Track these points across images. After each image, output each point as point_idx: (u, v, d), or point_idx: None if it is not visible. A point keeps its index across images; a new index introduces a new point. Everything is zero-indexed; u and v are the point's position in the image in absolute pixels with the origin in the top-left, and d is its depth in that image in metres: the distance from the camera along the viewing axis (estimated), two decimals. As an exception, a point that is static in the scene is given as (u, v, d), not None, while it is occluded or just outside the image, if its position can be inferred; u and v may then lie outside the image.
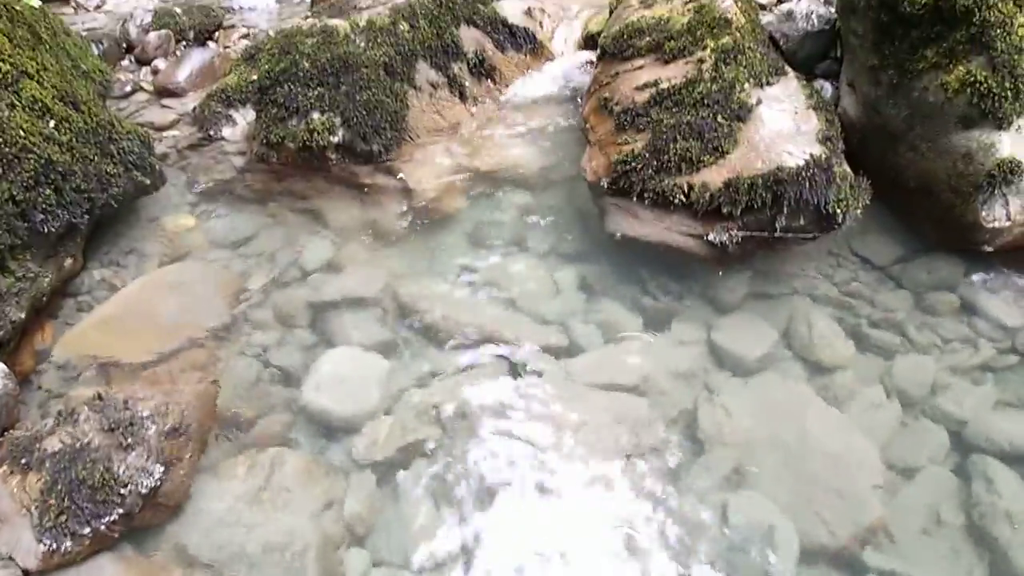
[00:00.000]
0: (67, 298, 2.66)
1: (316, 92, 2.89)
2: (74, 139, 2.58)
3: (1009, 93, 2.51)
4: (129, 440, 1.93)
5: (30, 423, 2.12)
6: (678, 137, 2.57)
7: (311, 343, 2.49)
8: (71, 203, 2.50)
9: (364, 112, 2.87)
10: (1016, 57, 2.51)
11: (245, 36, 3.98)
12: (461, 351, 2.44)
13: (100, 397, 2.02)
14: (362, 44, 2.99)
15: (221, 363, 2.42)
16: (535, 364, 2.37)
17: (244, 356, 2.44)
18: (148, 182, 2.88)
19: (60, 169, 2.46)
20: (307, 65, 2.92)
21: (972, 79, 2.51)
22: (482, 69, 3.26)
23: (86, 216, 2.57)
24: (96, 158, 2.63)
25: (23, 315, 2.34)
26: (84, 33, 3.99)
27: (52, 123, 2.53)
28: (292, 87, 2.92)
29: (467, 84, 3.20)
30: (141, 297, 2.63)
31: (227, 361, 2.43)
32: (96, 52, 3.80)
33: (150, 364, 2.38)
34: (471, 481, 2.07)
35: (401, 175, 2.91)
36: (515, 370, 2.36)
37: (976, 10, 2.49)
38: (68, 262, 2.62)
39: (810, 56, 3.15)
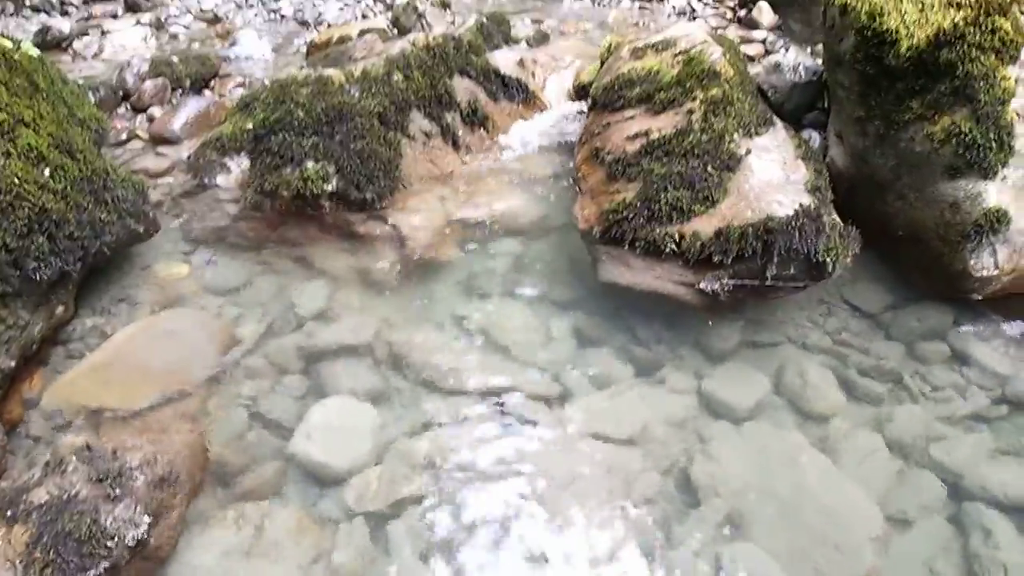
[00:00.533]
0: (57, 345, 2.65)
1: (311, 141, 2.91)
2: (69, 187, 2.58)
3: (994, 144, 2.55)
4: (117, 491, 1.90)
5: (17, 473, 2.09)
6: (669, 187, 2.60)
7: (303, 392, 2.47)
8: (64, 251, 2.50)
9: (358, 161, 2.90)
10: (999, 108, 2.56)
11: (241, 85, 4.02)
12: (453, 400, 2.43)
13: (88, 447, 2.00)
14: (356, 94, 3.02)
15: (212, 412, 2.40)
16: (528, 413, 2.36)
17: (235, 405, 2.42)
18: (142, 229, 2.88)
19: (54, 217, 2.46)
20: (302, 114, 2.95)
21: (957, 130, 2.56)
22: (475, 118, 3.30)
23: (79, 264, 2.57)
24: (90, 206, 2.63)
25: (12, 363, 2.32)
26: (81, 81, 4.02)
27: (47, 171, 2.54)
28: (287, 136, 2.94)
29: (460, 133, 3.23)
30: (132, 345, 2.61)
31: (218, 410, 2.41)
32: (92, 100, 3.83)
33: (140, 413, 2.36)
34: (462, 533, 2.04)
35: (394, 223, 2.92)
36: (508, 419, 2.35)
37: (959, 63, 2.54)
38: (59, 309, 2.61)
39: (798, 107, 3.20)
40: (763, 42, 4.09)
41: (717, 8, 4.57)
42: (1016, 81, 2.58)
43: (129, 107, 4.06)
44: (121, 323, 2.72)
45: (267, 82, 3.53)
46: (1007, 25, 2.56)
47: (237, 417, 2.39)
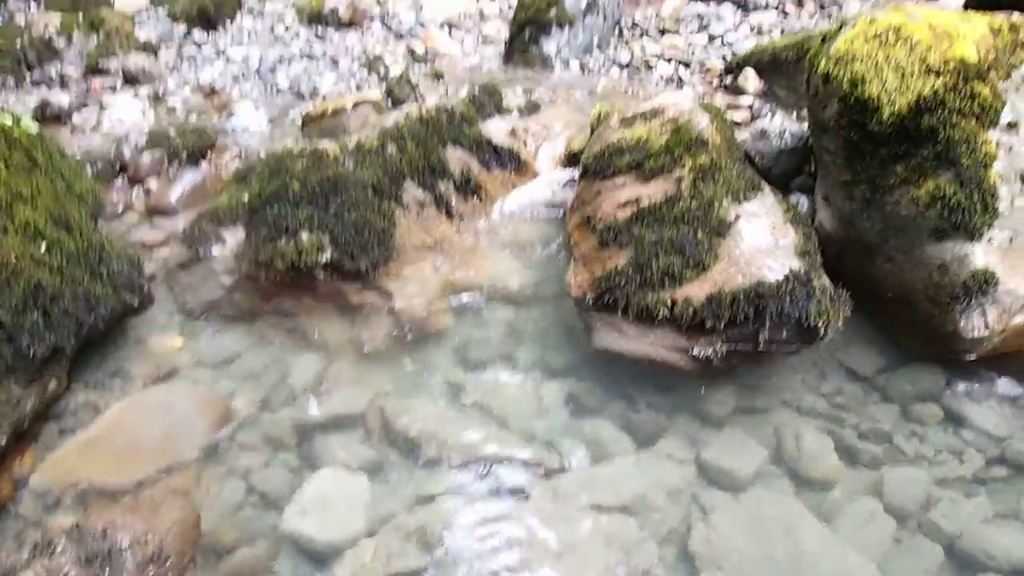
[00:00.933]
0: (49, 421, 2.63)
1: (306, 212, 2.95)
2: (64, 262, 2.61)
3: (978, 206, 2.59)
4: (107, 572, 1.88)
5: (5, 555, 2.06)
6: (660, 253, 2.62)
7: (296, 465, 2.46)
8: (58, 326, 2.50)
9: (353, 231, 2.92)
10: (982, 172, 2.60)
11: (237, 156, 4.08)
12: (448, 471, 2.41)
13: (78, 527, 1.98)
14: (351, 166, 3.07)
15: (204, 487, 2.38)
16: (523, 484, 2.34)
17: (228, 479, 2.40)
18: (136, 302, 2.90)
19: (49, 292, 2.48)
20: (297, 187, 2.99)
21: (941, 193, 2.60)
22: (468, 187, 3.34)
23: (73, 338, 2.58)
24: (85, 280, 2.65)
25: (3, 441, 2.31)
26: (79, 155, 4.08)
27: (44, 246, 2.57)
28: (282, 208, 2.98)
29: (453, 202, 3.27)
30: (125, 420, 2.60)
31: (210, 485, 2.39)
32: (90, 173, 3.88)
33: (132, 489, 2.34)
34: (459, 609, 2.01)
35: (389, 292, 2.94)
36: (503, 491, 2.33)
37: (941, 129, 2.60)
38: (52, 385, 2.61)
39: (785, 172, 3.26)
40: (749, 108, 4.17)
41: (704, 76, 4.67)
42: (997, 145, 2.63)
43: (126, 179, 4.10)
44: (114, 397, 2.71)
45: (263, 154, 3.58)
46: (985, 91, 2.62)
47: (230, 492, 2.37)
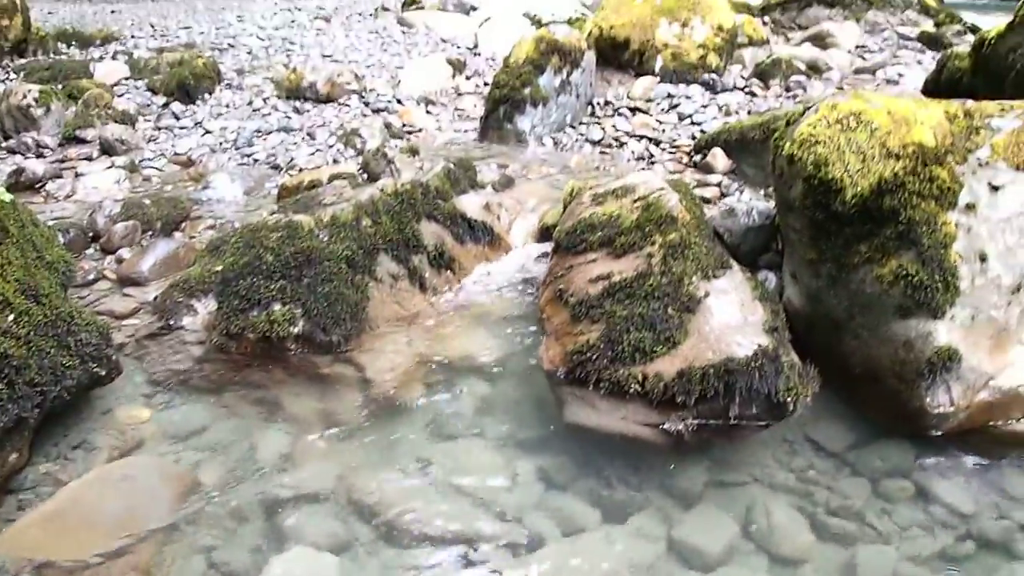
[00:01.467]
0: (8, 495, 2.55)
1: (278, 284, 2.95)
2: (32, 332, 2.57)
3: (940, 285, 2.66)
4: (60, 657, 1.80)
5: (-46, 637, 1.98)
6: (631, 328, 2.65)
7: (262, 542, 2.40)
8: (23, 397, 2.46)
9: (325, 304, 2.93)
10: (942, 252, 2.68)
11: (212, 227, 4.09)
12: (419, 549, 2.36)
13: (32, 609, 1.91)
14: (325, 239, 3.09)
15: (166, 564, 2.31)
16: (494, 562, 2.30)
17: (191, 556, 2.34)
18: (103, 373, 2.85)
19: (15, 363, 2.44)
20: (271, 258, 3.00)
21: (904, 272, 2.67)
22: (442, 261, 3.37)
23: (37, 410, 2.53)
24: (52, 351, 2.62)
25: (-41, 517, 2.24)
26: (52, 222, 4.07)
27: (11, 317, 2.54)
28: (255, 279, 2.98)
29: (427, 275, 3.29)
30: (87, 493, 2.53)
31: (173, 561, 2.32)
32: (62, 241, 3.87)
33: (90, 565, 2.27)
34: None
35: (360, 365, 2.93)
36: (474, 569, 2.29)
37: (902, 209, 2.68)
38: (13, 457, 2.54)
39: (753, 249, 3.33)
40: (718, 185, 4.28)
41: (674, 153, 4.80)
42: (956, 225, 2.71)
43: (99, 248, 4.10)
44: (77, 470, 2.65)
45: (238, 225, 3.60)
46: (943, 174, 2.72)
47: (192, 569, 2.30)
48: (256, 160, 4.89)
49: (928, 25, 9.28)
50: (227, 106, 5.83)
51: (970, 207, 2.74)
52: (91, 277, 3.84)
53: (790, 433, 2.83)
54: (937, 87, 6.29)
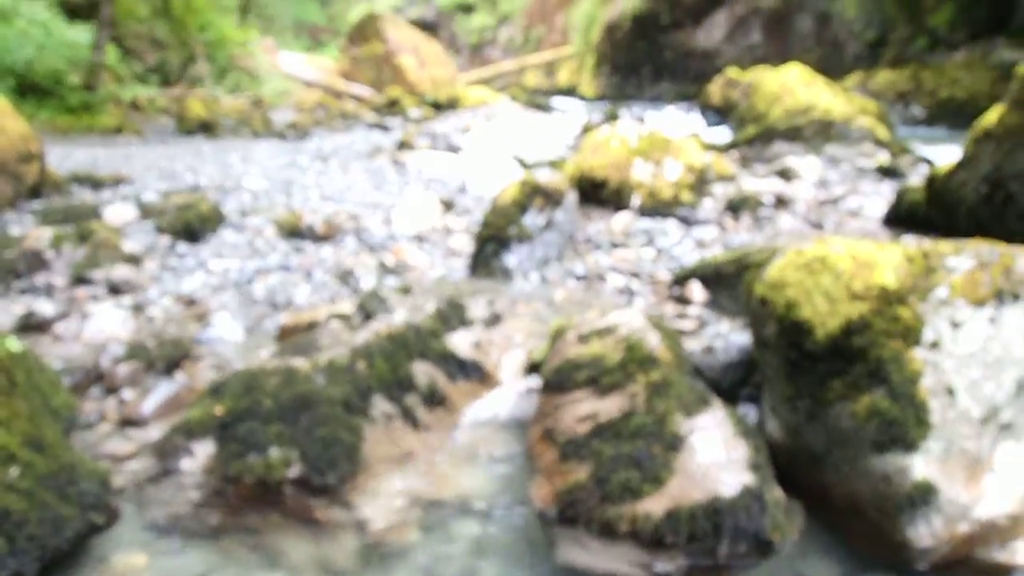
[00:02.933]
0: (2, 649, 2.57)
1: (276, 428, 3.05)
2: (34, 485, 2.65)
3: (912, 420, 2.78)
4: None
5: None
6: (619, 467, 2.75)
7: None
8: (22, 551, 2.51)
9: (321, 447, 3.02)
10: (912, 387, 2.82)
11: (212, 367, 4.21)
12: None
13: None
14: (322, 382, 3.22)
15: None
16: None
17: None
18: (102, 521, 2.91)
19: (15, 518, 2.51)
20: (269, 403, 3.11)
21: (877, 408, 2.80)
22: (434, 399, 3.49)
23: (36, 563, 2.57)
24: (53, 502, 2.69)
25: (-45, 674, 2.25)
26: (58, 365, 4.19)
27: (16, 471, 2.62)
28: (253, 424, 3.08)
29: (420, 414, 3.40)
30: (81, 646, 2.55)
31: None
32: (67, 384, 3.99)
33: None
34: None
35: (355, 507, 2.99)
36: None
37: (870, 348, 2.84)
38: (8, 610, 2.57)
39: (733, 383, 3.46)
40: (697, 318, 4.44)
41: (653, 287, 5.00)
42: (923, 362, 2.85)
43: (102, 389, 4.20)
44: (72, 622, 2.67)
45: (237, 365, 3.73)
46: (907, 313, 2.89)
47: None
48: (256, 299, 5.07)
49: (884, 157, 9.81)
50: (230, 246, 6.06)
51: (935, 344, 2.90)
52: (93, 419, 3.92)
53: (780, 568, 2.87)
54: (897, 218, 6.62)
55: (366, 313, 4.36)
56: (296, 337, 4.06)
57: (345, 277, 5.17)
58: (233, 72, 23.30)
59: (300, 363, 3.28)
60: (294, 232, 6.19)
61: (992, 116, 5.26)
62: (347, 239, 6.16)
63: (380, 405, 3.31)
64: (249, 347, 4.40)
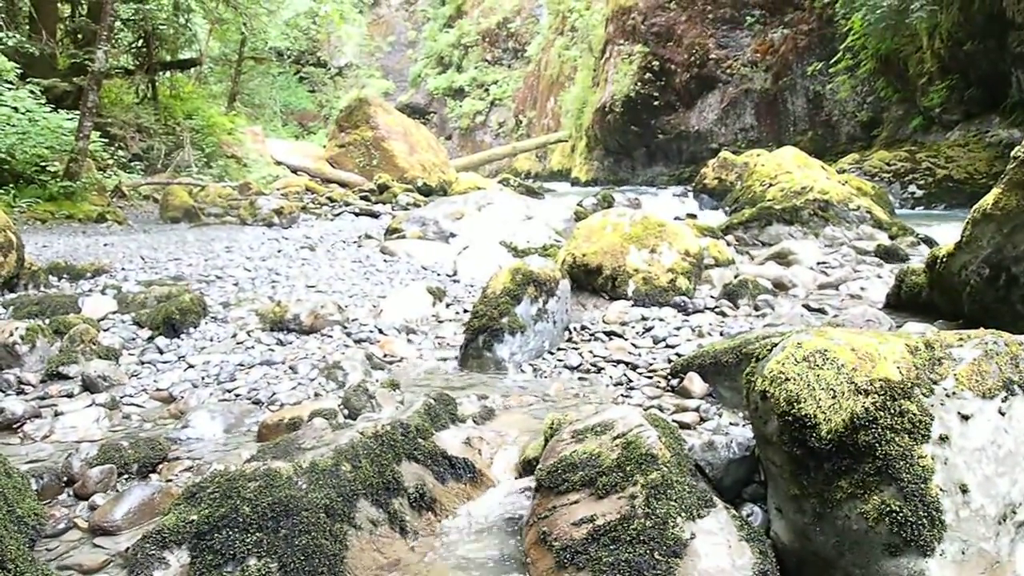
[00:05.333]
0: None
1: (255, 537, 2.88)
2: (-8, 605, 2.47)
3: (925, 520, 2.65)
4: None
5: None
6: (618, 576, 2.59)
7: None
8: None
9: (302, 557, 2.85)
10: (924, 486, 2.69)
11: (189, 469, 4.03)
12: None
13: None
14: (304, 486, 3.06)
15: None
16: None
17: None
18: (65, 643, 2.70)
19: (-30, 643, 2.32)
20: (248, 510, 2.95)
21: (888, 508, 2.66)
22: (422, 502, 3.32)
23: None
24: (12, 624, 2.50)
25: None
26: (26, 466, 4.00)
27: (-28, 590, 2.44)
28: (230, 532, 2.91)
29: (407, 518, 3.23)
30: None
31: None
32: (35, 488, 3.79)
33: None
34: None
35: (337, 624, 2.80)
36: None
37: (877, 444, 2.72)
38: None
39: (736, 481, 3.32)
40: (696, 410, 4.32)
41: (651, 378, 4.89)
42: (933, 458, 2.74)
43: (72, 494, 4.00)
44: None
45: (216, 468, 3.55)
46: (913, 407, 2.79)
47: None
48: (238, 395, 4.91)
49: (883, 238, 9.84)
50: (211, 339, 5.93)
51: (943, 438, 2.79)
52: (62, 526, 3.70)
53: None
54: (899, 302, 6.56)
55: (351, 410, 4.22)
56: (278, 436, 3.91)
57: (331, 371, 5.03)
58: (220, 159, 23.58)
59: (281, 466, 3.13)
60: (278, 324, 6.08)
61: (990, 198, 5.28)
62: (333, 331, 6.05)
63: (365, 510, 3.14)
64: (229, 447, 4.23)
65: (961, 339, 3.07)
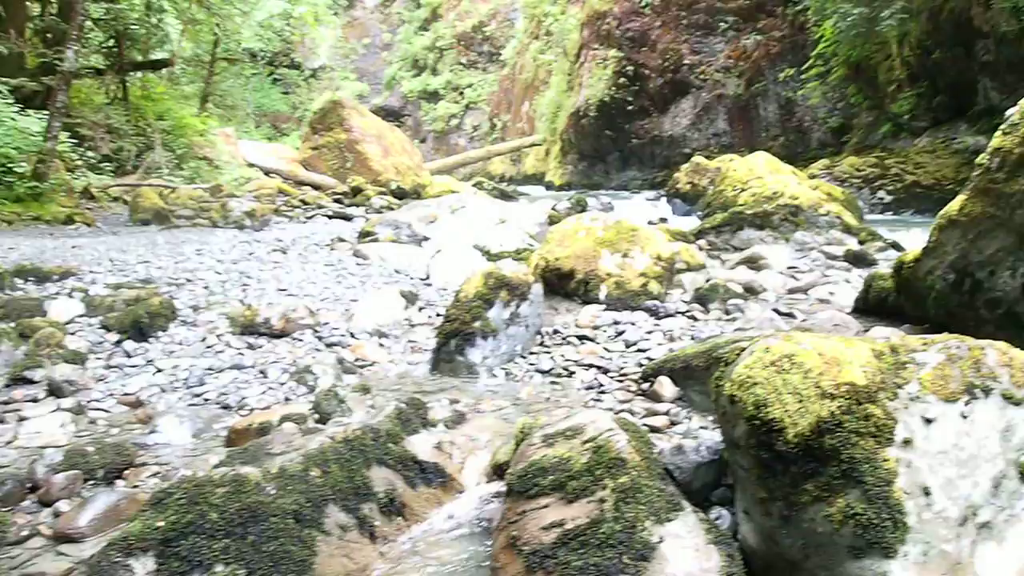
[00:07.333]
0: None
1: (222, 544, 2.85)
2: (-49, 615, 2.42)
3: (888, 523, 2.68)
4: None
5: None
6: (587, 581, 2.60)
7: None
8: None
9: (270, 563, 2.83)
10: (887, 489, 2.73)
11: (156, 475, 3.99)
12: None
13: None
14: (273, 492, 3.03)
15: None
16: None
17: None
18: (26, 652, 2.66)
19: (-73, 653, 2.27)
20: (215, 516, 2.92)
21: (852, 511, 2.69)
22: (392, 507, 3.31)
23: None
24: (-28, 634, 2.45)
25: None
26: (-11, 475, 3.93)
27: (-70, 600, 2.39)
28: (197, 539, 2.88)
29: (377, 524, 3.22)
30: None
31: None
32: (-3, 495, 3.73)
33: None
34: None
35: (305, 631, 2.78)
36: None
37: (842, 448, 2.76)
38: None
39: (705, 485, 3.34)
40: (667, 413, 4.35)
41: (622, 381, 4.91)
42: (897, 461, 2.78)
43: (36, 500, 3.94)
44: None
45: (184, 473, 3.51)
46: (878, 411, 2.83)
47: None
48: (207, 400, 4.86)
49: (852, 243, 9.95)
50: (180, 343, 5.87)
51: (907, 442, 2.83)
52: (25, 533, 3.64)
53: None
54: (867, 306, 6.64)
55: (322, 414, 4.19)
56: (248, 441, 3.87)
57: (301, 376, 5.00)
58: (191, 161, 23.31)
59: (249, 471, 3.10)
60: (249, 328, 6.03)
61: (955, 204, 5.36)
62: (305, 335, 6.01)
63: (335, 516, 3.12)
64: (197, 452, 4.19)
65: (925, 344, 3.12)
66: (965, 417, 2.90)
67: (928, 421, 2.86)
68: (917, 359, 3.03)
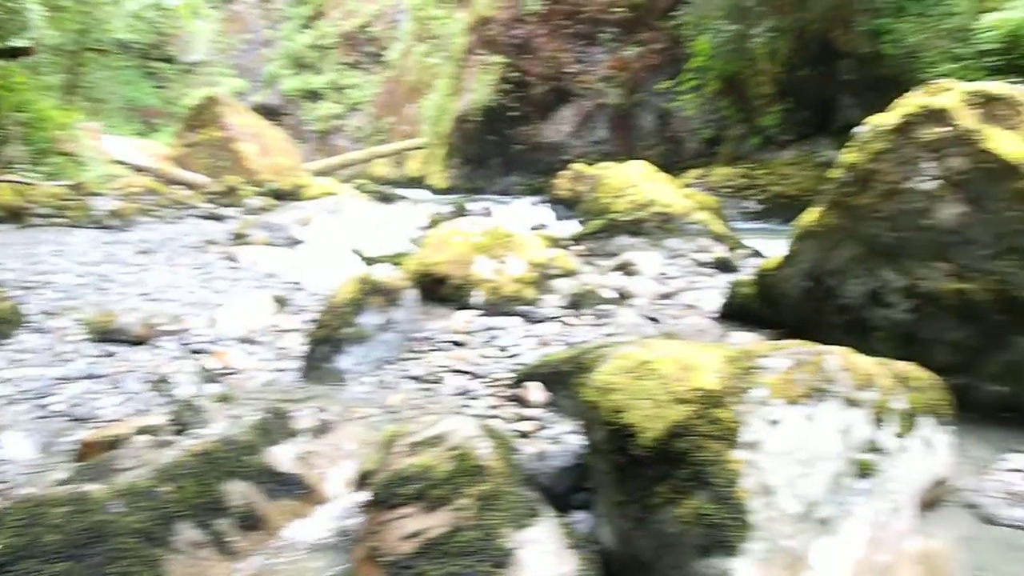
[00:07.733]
0: None
1: (62, 567, 2.69)
2: None
3: (734, 522, 2.81)
4: None
5: None
6: (445, 602, 2.60)
7: None
8: None
9: (115, 590, 2.69)
10: (732, 489, 2.86)
11: (-7, 495, 3.72)
12: None
13: None
14: (120, 509, 2.89)
15: None
16: None
17: None
18: None
19: None
20: (55, 537, 2.75)
21: (700, 511, 2.81)
22: (250, 521, 3.21)
23: None
24: None
25: None
26: None
27: None
28: (34, 564, 2.70)
29: (233, 539, 3.11)
30: None
31: None
32: None
33: None
34: None
35: (151, 654, 2.66)
36: None
37: (692, 451, 2.87)
38: None
39: (567, 489, 3.40)
40: (536, 420, 4.41)
41: (493, 388, 4.94)
42: (743, 462, 2.91)
43: None
44: None
45: (22, 493, 3.30)
46: (726, 415, 2.95)
47: None
48: (56, 412, 4.58)
49: (720, 251, 10.37)
50: (28, 351, 5.51)
51: (753, 444, 2.97)
52: None
53: None
54: (731, 312, 6.94)
55: (179, 426, 4.02)
56: (97, 456, 3.67)
57: (160, 385, 4.78)
58: (52, 156, 21.92)
59: (94, 489, 2.94)
60: (105, 335, 5.72)
61: (812, 215, 5.64)
62: (166, 342, 5.75)
63: (186, 533, 3.00)
64: (43, 469, 3.94)
65: (774, 349, 3.28)
66: (809, 419, 3.06)
67: (774, 423, 3.01)
68: (765, 364, 3.18)
